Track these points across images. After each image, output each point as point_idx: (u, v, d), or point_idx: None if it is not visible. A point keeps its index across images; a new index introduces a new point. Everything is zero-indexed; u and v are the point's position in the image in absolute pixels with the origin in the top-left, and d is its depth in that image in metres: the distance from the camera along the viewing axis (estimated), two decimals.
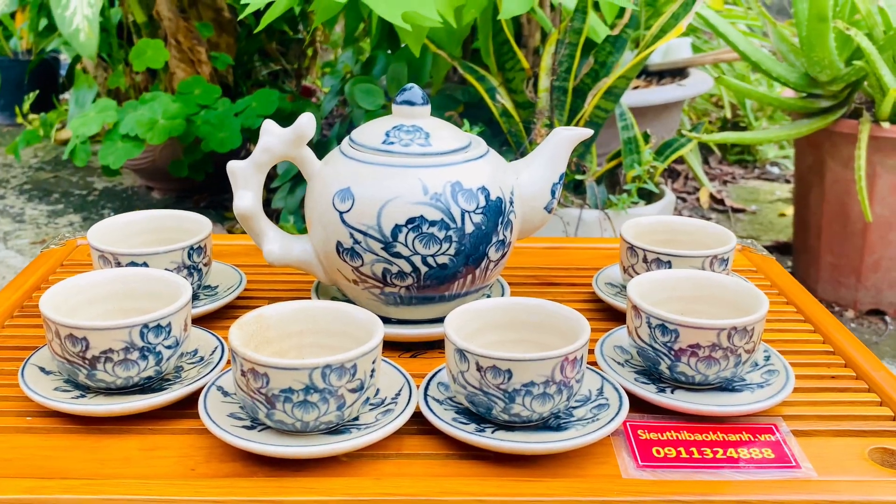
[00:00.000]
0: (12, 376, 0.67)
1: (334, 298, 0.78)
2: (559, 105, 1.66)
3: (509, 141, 1.68)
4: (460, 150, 0.72)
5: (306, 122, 0.70)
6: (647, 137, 1.72)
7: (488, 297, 0.79)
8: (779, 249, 2.15)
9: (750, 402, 0.63)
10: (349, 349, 0.63)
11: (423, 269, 0.69)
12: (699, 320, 0.62)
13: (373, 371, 0.59)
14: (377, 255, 0.69)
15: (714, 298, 0.70)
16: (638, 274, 0.78)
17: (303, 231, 1.82)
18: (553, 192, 0.76)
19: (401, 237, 0.68)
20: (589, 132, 0.77)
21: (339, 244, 0.70)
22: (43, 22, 2.61)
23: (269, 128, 0.71)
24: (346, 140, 0.74)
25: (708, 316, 0.70)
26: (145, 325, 0.61)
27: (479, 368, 0.58)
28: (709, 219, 2.38)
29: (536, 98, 1.64)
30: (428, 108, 0.73)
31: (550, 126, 1.60)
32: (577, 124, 1.65)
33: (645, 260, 0.77)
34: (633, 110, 1.90)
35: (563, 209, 1.56)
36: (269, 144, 0.71)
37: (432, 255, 0.68)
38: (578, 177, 1.56)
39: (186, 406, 0.63)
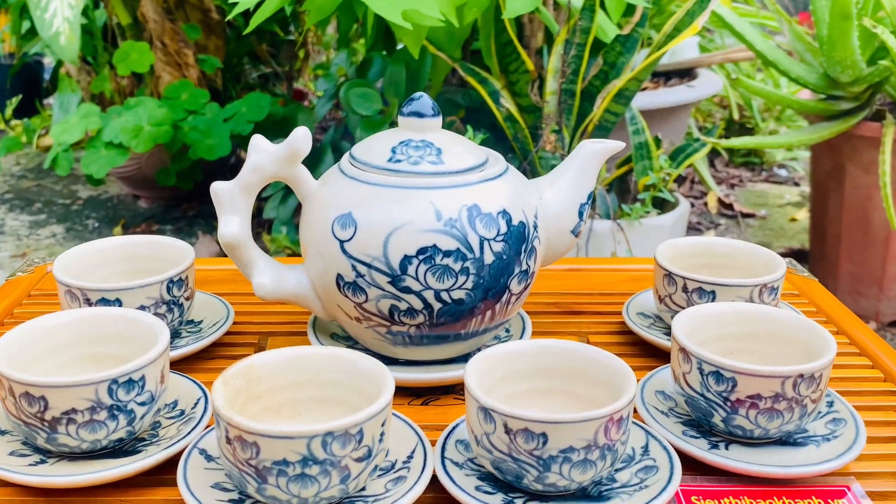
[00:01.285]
0: None
1: (333, 335, 0.69)
2: (567, 109, 1.57)
3: (514, 148, 1.59)
4: (476, 167, 0.63)
5: (301, 137, 0.61)
6: (658, 142, 1.63)
7: (508, 331, 0.70)
8: (793, 256, 2.06)
9: (817, 462, 0.54)
10: (353, 404, 0.54)
11: (437, 305, 0.60)
12: (761, 367, 0.54)
13: (382, 435, 0.50)
14: (383, 289, 0.60)
15: (770, 336, 0.61)
16: (677, 305, 0.69)
17: (296, 244, 1.73)
18: (581, 214, 0.67)
19: (410, 270, 0.59)
20: (620, 145, 0.68)
21: (339, 277, 0.61)
22: (25, 24, 2.51)
23: (259, 144, 0.62)
24: (346, 157, 0.65)
25: (763, 357, 0.62)
26: (114, 381, 0.51)
27: (507, 431, 0.49)
28: (718, 225, 2.30)
29: (542, 101, 1.55)
30: (439, 119, 0.64)
31: (559, 132, 1.51)
32: (585, 128, 1.56)
33: (685, 289, 0.68)
34: (640, 113, 1.81)
35: None
36: (258, 163, 0.62)
37: (447, 290, 0.59)
38: None
39: (165, 470, 0.54)
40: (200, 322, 0.71)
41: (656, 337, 0.69)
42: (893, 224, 1.51)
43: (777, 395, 0.54)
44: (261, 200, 2.00)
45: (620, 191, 1.65)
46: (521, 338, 0.69)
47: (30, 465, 0.53)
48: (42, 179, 2.62)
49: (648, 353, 0.71)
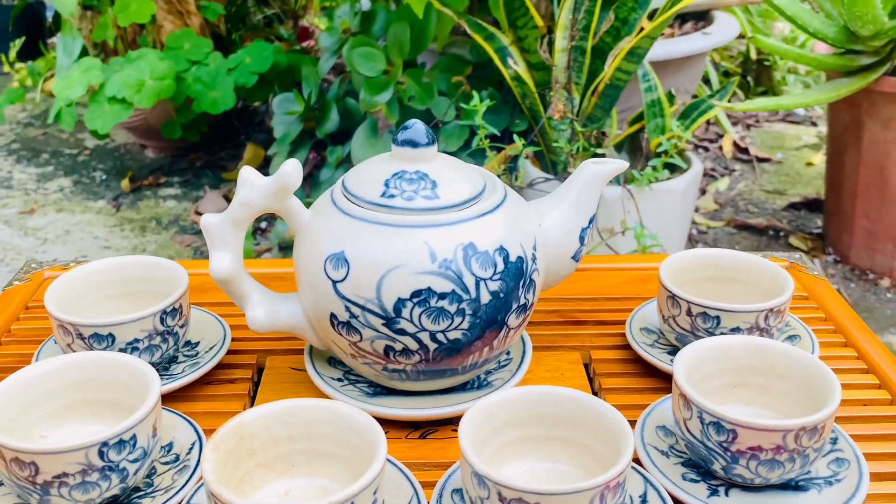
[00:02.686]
0: None
1: (330, 360, 0.68)
2: (577, 67, 1.53)
3: (523, 109, 1.55)
4: (472, 200, 0.61)
5: (290, 172, 0.59)
6: (671, 98, 1.59)
7: (508, 353, 0.69)
8: (807, 206, 2.03)
9: None
10: (346, 458, 0.53)
11: (433, 346, 0.59)
12: (762, 421, 0.52)
13: (374, 502, 0.49)
14: (378, 331, 0.58)
15: (773, 371, 0.60)
16: (681, 328, 0.67)
17: (308, 204, 1.72)
18: (582, 239, 0.65)
19: (405, 312, 0.57)
20: (623, 166, 0.66)
21: (332, 315, 0.60)
22: None
23: (248, 177, 0.60)
24: (339, 187, 0.63)
25: (765, 393, 0.60)
26: (104, 444, 0.51)
27: (501, 499, 0.48)
28: (733, 171, 2.26)
29: (551, 59, 1.50)
30: (434, 148, 0.62)
31: (568, 93, 1.47)
32: (596, 87, 1.52)
33: (689, 313, 0.66)
34: (654, 64, 1.76)
35: None
36: (247, 198, 0.60)
37: (442, 331, 0.58)
38: (599, 150, 1.44)
39: None
40: (197, 344, 0.71)
41: (659, 360, 0.68)
42: None
43: (778, 447, 0.53)
44: (266, 160, 1.98)
45: (632, 149, 1.62)
46: (521, 360, 0.68)
47: None
48: (48, 127, 2.60)
49: (651, 372, 0.70)
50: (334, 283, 0.58)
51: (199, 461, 0.57)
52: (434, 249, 0.57)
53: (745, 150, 2.35)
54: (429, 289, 0.57)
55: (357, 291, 0.58)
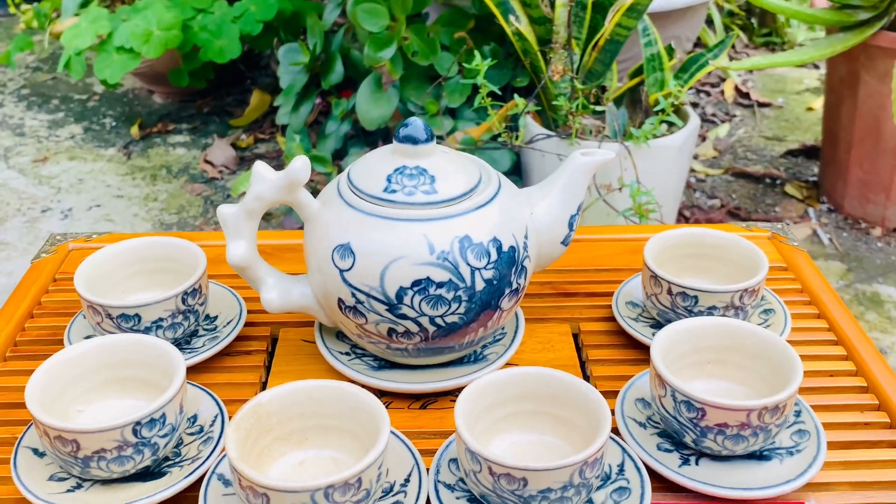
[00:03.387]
0: (7, 448, 0.64)
1: (339, 335, 0.74)
2: (577, 21, 1.55)
3: (525, 64, 1.58)
4: (468, 193, 0.65)
5: (300, 168, 0.64)
6: (671, 52, 1.61)
7: (503, 328, 0.74)
8: (805, 153, 2.06)
9: (778, 484, 0.59)
10: (354, 432, 0.60)
11: (431, 328, 0.64)
12: (728, 401, 0.58)
13: (379, 476, 0.55)
14: (381, 315, 0.64)
15: (744, 350, 0.66)
16: (662, 305, 0.73)
17: (310, 154, 1.76)
18: (570, 225, 0.70)
19: (406, 299, 0.63)
20: (610, 156, 0.70)
21: (340, 300, 0.65)
22: None
23: (261, 172, 0.65)
24: (344, 179, 0.68)
25: (737, 368, 0.66)
26: (137, 423, 0.57)
27: (491, 473, 0.54)
28: (733, 116, 2.28)
29: (552, 13, 1.53)
30: (432, 144, 0.66)
31: (568, 50, 1.50)
32: (596, 43, 1.54)
33: (670, 292, 0.72)
34: (655, 14, 1.78)
35: (582, 141, 1.48)
36: (260, 192, 0.65)
37: (440, 316, 0.64)
38: (598, 108, 1.48)
39: (189, 488, 0.60)
40: (215, 318, 0.76)
41: (641, 335, 0.74)
42: None
43: (743, 423, 0.59)
44: (273, 109, 2.01)
45: (632, 102, 1.65)
46: (514, 334, 0.74)
47: (67, 490, 0.59)
48: (57, 72, 2.62)
49: (635, 344, 0.75)
50: (341, 271, 0.64)
51: (221, 432, 0.63)
52: (432, 242, 0.63)
53: (747, 95, 2.37)
54: (428, 278, 0.62)
55: (362, 280, 0.63)
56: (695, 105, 2.33)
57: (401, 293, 0.63)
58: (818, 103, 2.31)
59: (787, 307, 0.78)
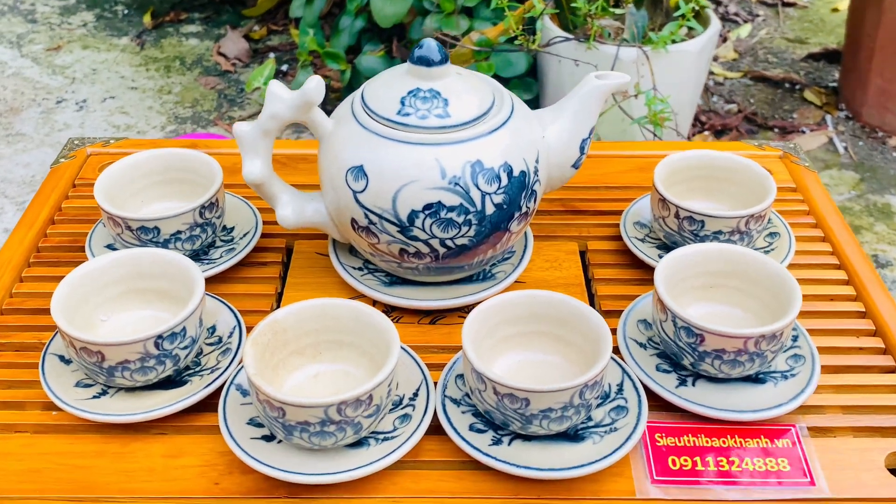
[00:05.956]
0: (34, 353, 0.67)
1: (351, 250, 0.76)
2: None
3: None
4: (481, 117, 0.66)
5: (314, 88, 0.64)
6: None
7: (512, 247, 0.76)
8: (826, 58, 2.03)
9: (770, 407, 0.62)
10: (365, 348, 0.62)
11: (442, 250, 0.66)
12: (726, 329, 0.60)
13: (389, 392, 0.58)
14: (393, 236, 0.66)
15: (746, 276, 0.67)
16: (669, 227, 0.74)
17: (323, 49, 1.74)
18: (582, 149, 0.71)
19: (418, 222, 0.64)
20: (625, 79, 0.70)
21: (353, 220, 0.67)
22: None
23: (276, 91, 0.66)
24: (358, 99, 0.68)
25: (738, 293, 0.68)
26: (159, 336, 0.60)
27: (495, 392, 0.57)
28: (756, 16, 2.23)
29: None
30: (447, 66, 0.66)
31: None
32: None
33: (677, 216, 0.73)
34: None
35: (600, 45, 1.46)
36: (276, 111, 0.66)
37: (451, 238, 0.65)
38: (617, 10, 1.45)
39: (208, 397, 0.64)
40: (232, 230, 0.78)
41: (647, 256, 0.75)
42: None
43: (740, 350, 0.61)
44: (285, 2, 1.98)
45: (652, 3, 1.62)
46: (523, 253, 0.76)
47: (93, 396, 0.63)
48: None
49: (641, 264, 0.77)
50: (355, 193, 0.65)
51: (239, 343, 0.66)
52: (444, 167, 0.64)
53: None
54: (439, 202, 0.64)
55: (375, 202, 0.65)
56: (717, 2, 2.27)
57: (412, 216, 0.64)
58: (844, 3, 2.25)
59: (793, 230, 0.79)
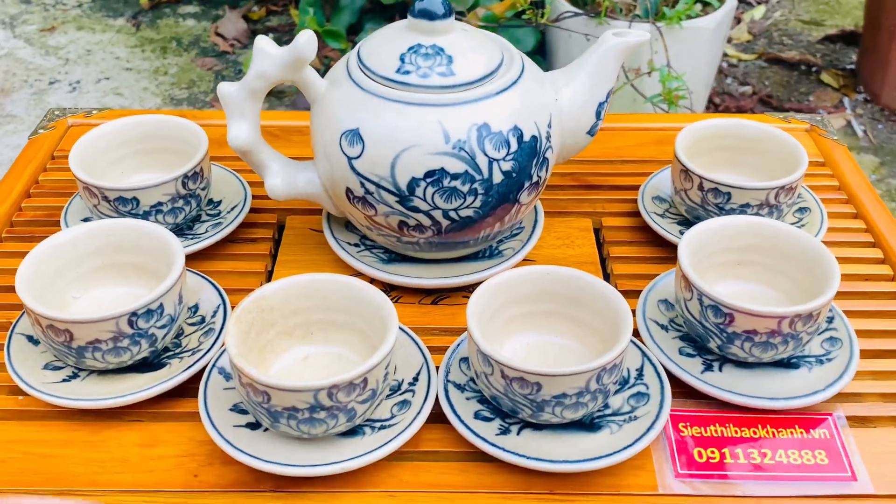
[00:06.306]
0: (1, 334, 0.62)
1: (347, 225, 0.70)
2: None
3: None
4: (489, 76, 0.60)
5: (305, 44, 0.59)
6: None
7: (521, 222, 0.70)
8: (844, 39, 1.96)
9: (805, 394, 0.56)
10: (360, 328, 0.57)
11: (445, 222, 0.61)
12: (759, 307, 0.54)
13: (386, 375, 0.53)
14: (392, 207, 0.60)
15: (777, 252, 0.62)
16: (692, 201, 0.69)
17: (323, 27, 1.68)
18: (598, 114, 0.65)
19: (418, 191, 0.59)
20: (645, 37, 0.64)
21: (348, 190, 0.61)
22: None
23: (264, 47, 0.60)
24: (354, 57, 0.63)
25: (768, 271, 0.62)
26: (133, 314, 0.54)
27: (504, 376, 0.52)
28: None
29: None
30: (451, 20, 0.61)
31: None
32: None
33: (701, 188, 0.67)
34: None
35: (611, 21, 1.40)
36: (263, 69, 0.60)
37: (454, 209, 0.60)
38: None
39: (188, 381, 0.58)
40: (219, 203, 0.73)
41: (667, 232, 0.70)
42: None
43: (773, 331, 0.55)
44: None
45: None
46: (532, 229, 0.70)
47: (63, 380, 0.57)
48: None
49: (660, 241, 0.71)
50: (350, 159, 0.60)
51: (224, 323, 0.60)
52: (448, 130, 0.58)
53: None
54: (442, 169, 0.58)
55: (372, 169, 0.59)
56: None
57: (412, 184, 0.59)
58: None
59: (824, 205, 0.73)
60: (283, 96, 1.77)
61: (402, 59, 0.60)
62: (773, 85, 1.80)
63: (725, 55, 1.89)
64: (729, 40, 1.95)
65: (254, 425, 0.54)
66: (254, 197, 0.74)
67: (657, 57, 1.33)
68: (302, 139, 0.84)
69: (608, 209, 0.75)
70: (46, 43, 1.98)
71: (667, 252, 0.70)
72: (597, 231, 0.74)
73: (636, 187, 0.76)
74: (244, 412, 0.55)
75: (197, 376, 0.58)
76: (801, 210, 0.72)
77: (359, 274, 0.66)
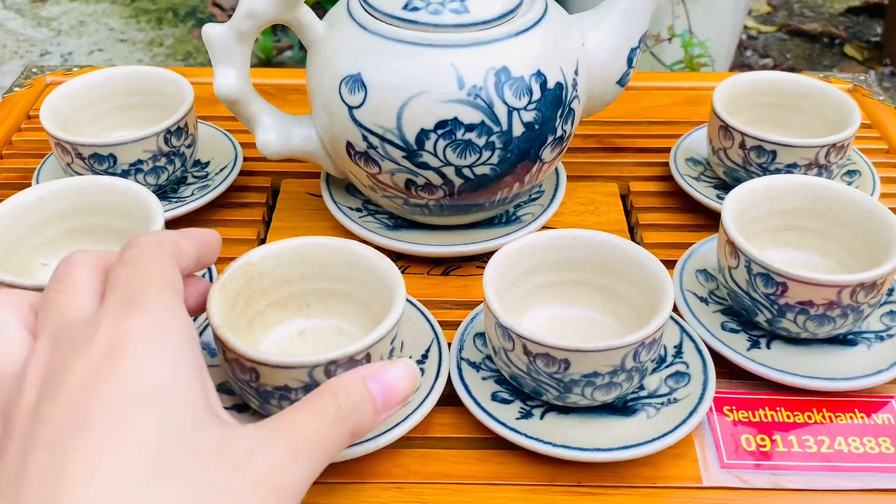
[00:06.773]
0: None
1: (349, 188, 0.63)
2: None
3: None
4: (508, 15, 0.53)
5: None
6: None
7: (540, 186, 0.63)
8: (867, 11, 1.89)
9: (866, 374, 0.50)
10: (362, 299, 0.50)
11: (458, 181, 0.54)
12: (817, 275, 0.48)
13: (391, 352, 0.46)
14: (398, 163, 0.53)
15: (831, 216, 0.55)
16: (732, 161, 0.62)
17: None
18: (630, 61, 0.58)
19: (428, 145, 0.52)
20: None
21: (349, 144, 0.54)
22: None
23: None
24: None
25: (820, 237, 0.56)
26: None
27: (526, 352, 0.45)
28: None
29: None
30: None
31: None
32: None
33: (742, 146, 0.60)
34: None
35: None
36: (252, 8, 0.53)
37: (469, 166, 0.53)
38: None
39: None
40: (207, 165, 0.66)
41: (704, 196, 0.63)
42: None
43: (832, 302, 0.49)
44: None
45: None
46: (553, 193, 0.63)
47: None
48: None
49: (694, 208, 0.65)
50: (350, 108, 0.53)
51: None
52: (462, 74, 0.51)
53: None
54: (455, 119, 0.51)
55: (375, 120, 0.52)
56: None
57: (421, 137, 0.52)
58: None
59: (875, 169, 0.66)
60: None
61: None
62: (794, 58, 1.72)
63: (745, 27, 1.82)
64: (749, 12, 1.87)
65: (241, 407, 0.48)
66: (246, 159, 0.68)
67: (678, 21, 1.26)
68: (299, 98, 0.77)
69: (636, 173, 0.69)
70: (38, 14, 1.91)
71: (702, 218, 0.64)
72: (623, 197, 0.67)
73: (666, 150, 0.70)
74: (231, 392, 0.48)
75: None
76: (850, 173, 0.65)
77: (361, 241, 0.59)
